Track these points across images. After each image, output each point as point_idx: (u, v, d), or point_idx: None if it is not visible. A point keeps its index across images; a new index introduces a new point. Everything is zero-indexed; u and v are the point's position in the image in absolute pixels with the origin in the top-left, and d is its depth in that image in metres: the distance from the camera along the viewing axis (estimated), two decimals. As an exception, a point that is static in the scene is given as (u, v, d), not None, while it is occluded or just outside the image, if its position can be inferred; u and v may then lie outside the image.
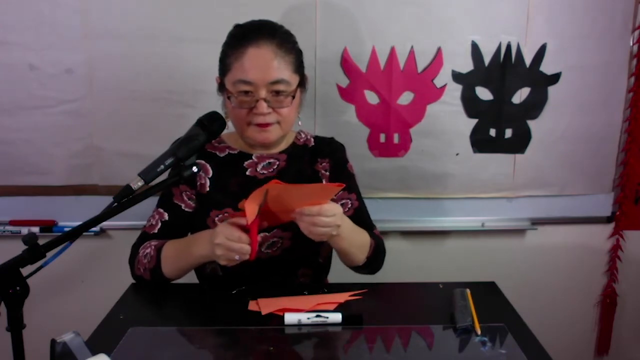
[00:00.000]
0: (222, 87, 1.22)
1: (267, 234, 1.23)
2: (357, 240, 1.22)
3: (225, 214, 1.22)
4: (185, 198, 1.27)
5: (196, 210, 1.27)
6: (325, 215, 1.04)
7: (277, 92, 1.17)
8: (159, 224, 1.25)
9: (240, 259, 1.05)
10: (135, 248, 1.25)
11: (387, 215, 1.77)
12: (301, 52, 1.24)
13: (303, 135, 1.35)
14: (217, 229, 1.07)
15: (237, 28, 1.22)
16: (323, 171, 1.32)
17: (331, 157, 1.33)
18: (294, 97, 1.20)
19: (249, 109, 1.18)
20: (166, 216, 1.26)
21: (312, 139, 1.35)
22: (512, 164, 1.77)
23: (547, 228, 1.87)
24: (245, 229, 1.05)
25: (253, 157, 1.28)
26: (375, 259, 1.28)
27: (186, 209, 1.27)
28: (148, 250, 1.20)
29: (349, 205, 1.32)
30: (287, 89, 1.17)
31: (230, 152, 1.29)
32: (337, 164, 1.33)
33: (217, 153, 1.29)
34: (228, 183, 1.26)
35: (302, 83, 1.24)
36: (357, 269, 1.28)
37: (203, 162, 1.27)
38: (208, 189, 1.26)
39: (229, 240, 1.04)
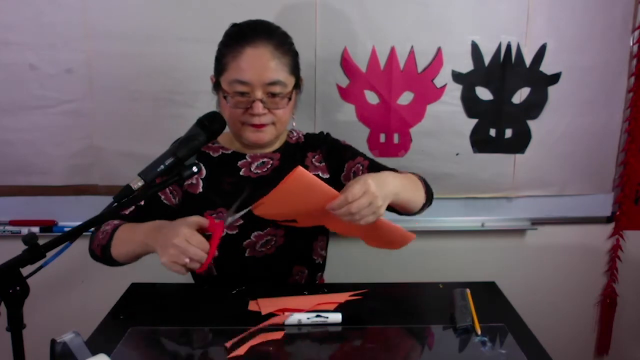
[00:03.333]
0: (217, 86, 1.22)
1: (260, 232, 1.24)
2: (411, 186, 1.15)
3: (220, 214, 1.22)
4: (166, 190, 1.25)
5: (179, 208, 1.25)
6: (354, 199, 0.95)
7: (273, 94, 1.17)
8: (133, 207, 1.22)
9: (188, 264, 0.97)
10: (102, 226, 1.21)
11: (387, 215, 1.76)
12: (297, 53, 1.24)
13: (295, 134, 1.36)
14: (181, 230, 0.98)
15: (234, 27, 1.21)
16: (317, 163, 1.31)
17: (321, 147, 1.33)
18: (290, 99, 1.20)
19: (244, 109, 1.18)
20: (142, 202, 1.23)
21: (303, 137, 1.36)
22: (512, 164, 1.77)
23: (547, 228, 1.87)
24: (206, 235, 1.01)
25: (247, 157, 1.28)
26: (429, 189, 1.24)
27: (165, 201, 1.25)
28: (107, 227, 1.18)
29: (361, 168, 1.29)
30: (283, 90, 1.17)
31: (224, 152, 1.30)
32: (331, 148, 1.33)
33: (211, 153, 1.30)
34: (221, 183, 1.26)
35: (298, 85, 1.24)
36: (420, 210, 1.21)
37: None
38: (201, 189, 1.26)
39: (188, 243, 0.96)
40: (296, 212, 1.09)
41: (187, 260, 0.97)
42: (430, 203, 1.27)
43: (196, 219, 1.02)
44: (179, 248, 0.97)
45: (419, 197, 1.18)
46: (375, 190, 0.96)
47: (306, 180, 0.97)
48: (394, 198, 1.05)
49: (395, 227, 1.07)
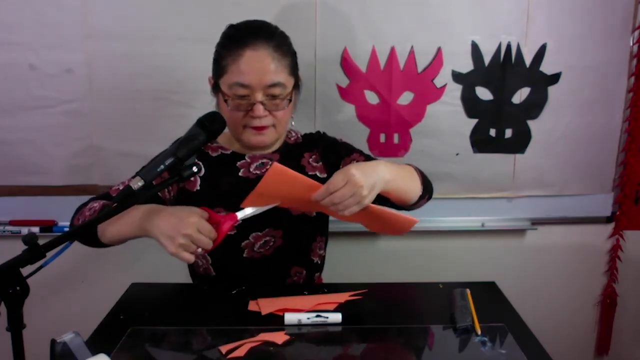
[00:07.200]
0: (216, 88, 1.22)
1: (259, 233, 1.24)
2: (404, 174, 1.13)
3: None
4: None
5: (172, 203, 1.23)
6: (335, 189, 0.96)
7: (274, 96, 1.16)
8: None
9: (196, 252, 0.99)
10: (89, 201, 1.20)
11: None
12: (296, 53, 1.23)
13: (294, 134, 1.36)
14: (190, 220, 0.99)
15: (232, 29, 1.21)
16: (314, 163, 1.31)
17: (318, 147, 1.33)
18: (290, 100, 1.19)
19: (245, 112, 1.17)
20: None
21: (301, 137, 1.36)
22: (512, 164, 1.77)
23: (547, 228, 1.87)
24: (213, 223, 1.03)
25: (246, 158, 1.28)
26: (427, 181, 1.21)
27: (158, 194, 1.22)
28: (96, 204, 1.17)
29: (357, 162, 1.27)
30: (283, 92, 1.17)
31: (223, 152, 1.29)
32: (327, 147, 1.33)
33: (210, 152, 1.30)
34: (220, 183, 1.26)
35: (297, 85, 1.24)
36: (417, 202, 1.18)
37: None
38: (198, 187, 1.26)
39: (199, 233, 0.98)
40: (282, 201, 1.07)
41: (200, 250, 0.99)
42: (430, 196, 1.24)
43: (200, 210, 1.03)
44: (190, 237, 0.98)
45: (414, 187, 1.15)
46: (359, 180, 0.95)
47: (285, 175, 0.97)
48: (385, 186, 1.02)
49: (394, 214, 1.06)
